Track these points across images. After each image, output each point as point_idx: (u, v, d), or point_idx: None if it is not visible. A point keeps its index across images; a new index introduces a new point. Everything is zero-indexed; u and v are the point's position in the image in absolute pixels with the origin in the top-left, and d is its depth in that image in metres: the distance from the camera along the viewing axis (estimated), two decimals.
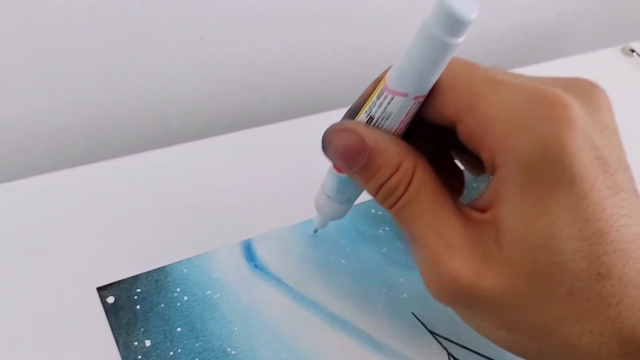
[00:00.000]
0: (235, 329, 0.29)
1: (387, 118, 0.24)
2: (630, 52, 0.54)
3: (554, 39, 0.61)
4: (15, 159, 0.42)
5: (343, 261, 0.34)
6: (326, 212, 0.30)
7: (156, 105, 0.45)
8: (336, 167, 0.27)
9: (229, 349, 0.29)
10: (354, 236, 0.35)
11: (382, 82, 0.24)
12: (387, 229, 0.36)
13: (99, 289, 0.30)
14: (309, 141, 0.40)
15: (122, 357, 0.27)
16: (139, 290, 0.30)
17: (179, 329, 0.29)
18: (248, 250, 0.33)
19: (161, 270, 0.31)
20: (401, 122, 0.24)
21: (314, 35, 0.47)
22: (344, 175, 0.27)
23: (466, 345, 0.31)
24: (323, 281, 0.32)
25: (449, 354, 0.31)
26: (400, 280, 0.33)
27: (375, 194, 0.25)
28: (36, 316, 0.29)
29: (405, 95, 0.23)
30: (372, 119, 0.24)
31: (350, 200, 0.29)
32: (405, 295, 0.33)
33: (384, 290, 0.33)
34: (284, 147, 0.40)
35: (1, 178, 0.35)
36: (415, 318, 0.32)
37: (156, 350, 0.28)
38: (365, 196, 0.37)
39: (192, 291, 0.30)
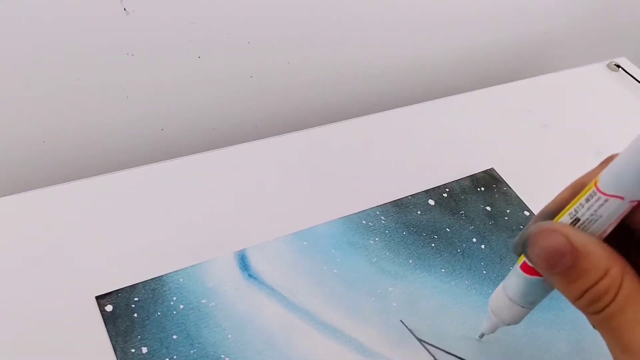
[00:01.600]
0: (230, 336, 0.30)
1: (596, 221, 0.24)
2: (616, 68, 0.56)
3: (542, 54, 0.63)
4: (15, 173, 0.43)
5: (335, 271, 0.35)
6: (504, 315, 0.28)
7: (154, 120, 0.46)
8: (525, 268, 0.26)
9: (223, 356, 0.30)
10: (345, 247, 0.36)
11: (591, 185, 0.24)
12: (377, 239, 0.37)
13: (98, 298, 0.31)
14: (304, 154, 0.42)
15: None
16: (136, 299, 0.31)
17: (174, 337, 0.30)
18: (242, 261, 0.34)
19: (158, 279, 0.32)
20: (609, 225, 0.24)
21: (309, 51, 0.48)
22: (533, 277, 0.26)
23: (452, 352, 0.32)
24: (315, 290, 0.33)
25: None
26: (390, 289, 0.34)
27: (577, 298, 0.24)
28: (36, 324, 0.29)
29: (620, 198, 0.23)
30: (578, 221, 0.24)
31: (533, 304, 0.28)
32: (394, 304, 0.34)
33: (373, 299, 0.34)
34: (279, 160, 0.41)
35: (2, 191, 0.36)
36: (403, 325, 0.33)
37: (152, 357, 0.29)
38: (355, 208, 0.38)
39: (188, 300, 0.31)
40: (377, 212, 0.38)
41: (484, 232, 0.38)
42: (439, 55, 0.55)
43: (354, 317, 0.33)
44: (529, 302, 0.27)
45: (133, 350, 0.29)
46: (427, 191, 0.40)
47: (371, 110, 0.47)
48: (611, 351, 0.24)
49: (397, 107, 0.47)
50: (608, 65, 0.56)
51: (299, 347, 0.31)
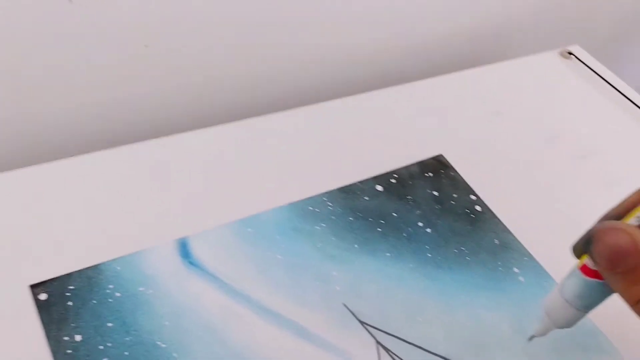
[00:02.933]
0: (167, 323, 0.30)
1: None
2: (568, 55, 0.56)
3: (498, 43, 0.63)
4: None
5: (279, 257, 0.34)
6: (558, 317, 0.28)
7: (97, 109, 0.45)
8: (584, 269, 0.26)
9: (159, 343, 0.29)
10: (290, 233, 0.36)
11: None
12: (323, 225, 0.37)
13: (32, 287, 0.30)
14: (250, 143, 0.41)
15: (51, 352, 0.28)
16: (71, 287, 0.30)
17: (109, 324, 0.29)
18: (183, 248, 0.34)
19: (94, 268, 0.31)
20: None
21: (254, 41, 0.48)
22: (592, 279, 0.26)
23: (394, 334, 0.32)
24: (258, 276, 0.33)
25: (378, 342, 0.32)
26: (334, 273, 0.34)
27: (637, 301, 0.24)
28: None
29: None
30: None
31: (589, 308, 0.27)
32: (338, 288, 0.34)
33: (317, 283, 0.34)
34: (225, 148, 0.41)
35: None
36: (346, 309, 0.33)
37: (86, 344, 0.28)
38: (302, 194, 0.38)
39: (125, 288, 0.31)
40: (324, 199, 0.38)
41: (430, 217, 0.38)
42: (391, 43, 0.55)
43: (297, 301, 0.33)
44: (585, 305, 0.27)
45: (66, 338, 0.29)
46: (375, 177, 0.40)
47: (320, 98, 0.46)
48: None
49: (348, 95, 0.47)
50: (561, 53, 0.57)
51: (239, 333, 0.31)
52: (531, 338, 0.31)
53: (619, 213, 0.26)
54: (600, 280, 0.26)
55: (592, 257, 0.24)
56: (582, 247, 0.25)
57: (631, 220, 0.25)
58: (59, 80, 0.42)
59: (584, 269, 0.26)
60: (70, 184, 0.36)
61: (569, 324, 0.28)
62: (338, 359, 0.31)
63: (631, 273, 0.23)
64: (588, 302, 0.27)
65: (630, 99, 0.53)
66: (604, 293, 0.26)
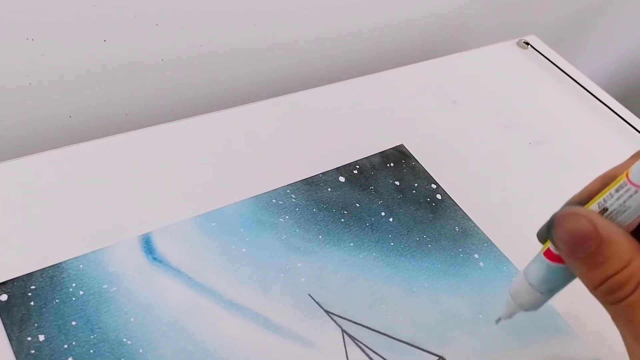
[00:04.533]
0: (132, 320, 0.30)
1: (624, 212, 0.24)
2: (525, 45, 0.58)
3: (456, 34, 0.64)
4: None
5: (243, 250, 0.35)
6: (523, 301, 0.28)
7: (60, 107, 0.45)
8: (548, 254, 0.27)
9: (124, 340, 0.29)
10: (254, 225, 0.36)
11: (622, 176, 0.24)
12: (287, 217, 0.37)
13: None
14: (214, 136, 0.41)
15: (14, 353, 0.28)
16: (33, 287, 0.30)
17: (73, 323, 0.29)
18: (147, 244, 0.34)
19: (56, 267, 0.31)
20: (637, 217, 0.24)
21: (221, 33, 0.48)
22: (555, 264, 0.26)
23: (359, 322, 0.33)
24: (222, 270, 0.33)
25: (344, 331, 0.32)
26: (299, 265, 0.35)
27: (596, 285, 0.24)
28: None
29: None
30: (606, 210, 0.24)
31: (552, 292, 0.28)
32: (303, 279, 0.34)
33: (282, 275, 0.34)
34: (188, 142, 0.40)
35: None
36: (311, 299, 0.33)
37: (50, 344, 0.28)
38: (266, 187, 0.38)
39: (88, 286, 0.31)
40: (288, 191, 0.38)
41: (393, 206, 0.39)
42: (350, 35, 0.56)
43: (262, 294, 0.33)
44: (549, 289, 0.27)
45: (29, 339, 0.28)
46: (337, 169, 0.41)
47: (282, 91, 0.47)
48: (625, 342, 0.24)
49: (308, 88, 0.47)
50: (518, 43, 0.58)
51: (204, 327, 0.31)
52: (498, 320, 0.32)
53: (582, 199, 0.26)
54: (563, 265, 0.26)
55: (553, 242, 0.25)
56: (545, 233, 0.26)
57: (593, 206, 0.25)
58: (20, 79, 0.42)
59: (548, 254, 0.27)
60: (29, 182, 0.35)
61: (534, 307, 0.29)
62: (305, 350, 0.31)
63: (591, 258, 0.23)
64: (552, 286, 0.27)
65: (585, 87, 0.55)
66: (567, 277, 0.27)
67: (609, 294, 0.23)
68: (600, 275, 0.23)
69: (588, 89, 0.54)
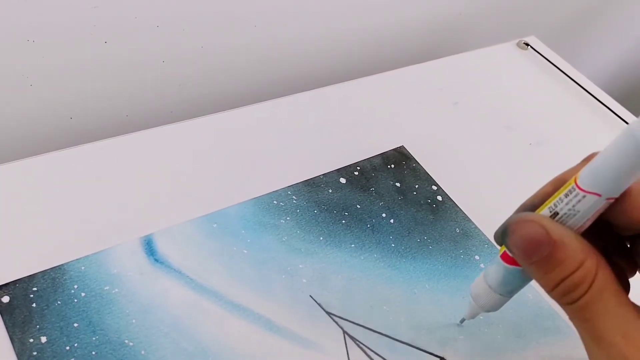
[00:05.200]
0: (134, 321, 0.30)
1: (574, 216, 0.25)
2: (525, 46, 0.58)
3: (456, 35, 0.64)
4: None
5: (245, 251, 0.35)
6: (483, 302, 0.29)
7: (61, 108, 0.45)
8: (505, 258, 0.27)
9: (126, 341, 0.29)
10: (256, 227, 0.36)
11: (571, 180, 0.25)
12: (288, 219, 0.37)
13: None
14: (216, 138, 0.41)
15: (16, 355, 0.28)
16: (35, 288, 0.30)
17: (75, 324, 0.29)
18: (149, 246, 0.34)
19: (58, 268, 0.31)
20: (587, 220, 0.25)
21: (222, 34, 0.48)
22: (512, 267, 0.27)
23: (361, 323, 0.33)
24: (224, 271, 0.33)
25: (345, 332, 0.32)
26: (300, 266, 0.35)
27: (552, 288, 0.25)
28: None
29: (598, 195, 0.24)
30: (557, 215, 0.25)
31: (511, 293, 0.28)
32: (304, 280, 0.34)
33: (283, 277, 0.34)
34: (190, 144, 0.40)
35: None
36: (313, 300, 0.33)
37: (52, 345, 0.28)
38: (267, 189, 0.38)
39: (90, 287, 0.31)
40: (289, 192, 0.38)
41: (393, 207, 0.39)
42: (349, 37, 0.56)
43: (263, 295, 0.33)
44: (508, 290, 0.28)
45: (31, 340, 0.28)
46: (338, 170, 0.41)
47: (283, 93, 0.47)
48: (583, 341, 0.25)
49: (309, 90, 0.47)
50: (517, 44, 0.58)
51: (206, 328, 0.31)
52: (462, 321, 0.33)
53: (534, 203, 0.27)
54: (520, 267, 0.27)
55: (507, 248, 0.26)
56: (500, 238, 0.26)
57: (544, 211, 0.26)
58: (21, 80, 0.42)
59: (504, 257, 0.27)
60: (30, 184, 0.35)
61: (494, 308, 0.29)
62: (306, 351, 0.31)
63: (545, 262, 0.24)
64: (510, 288, 0.28)
65: (585, 87, 0.55)
66: (524, 279, 0.28)
67: (565, 295, 0.24)
68: (555, 278, 0.24)
69: (588, 90, 0.54)
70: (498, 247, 0.29)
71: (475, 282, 0.30)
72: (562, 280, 0.24)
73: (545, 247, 0.24)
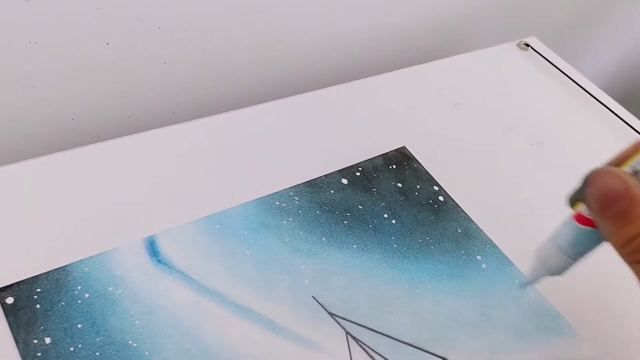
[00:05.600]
0: (137, 322, 0.30)
1: None
2: (525, 47, 0.58)
3: (457, 35, 0.64)
4: None
5: (247, 252, 0.35)
6: (551, 264, 0.29)
7: (63, 110, 0.45)
8: (578, 218, 0.27)
9: (130, 342, 0.29)
10: (258, 228, 0.36)
11: None
12: (290, 219, 0.37)
13: None
14: (218, 139, 0.41)
15: (21, 356, 0.28)
16: (39, 290, 0.30)
17: (79, 325, 0.29)
18: (152, 247, 0.34)
19: (62, 269, 0.31)
20: None
21: (223, 36, 0.48)
22: (584, 227, 0.27)
23: (363, 324, 0.33)
24: (226, 272, 0.34)
25: (347, 333, 0.33)
26: (302, 267, 0.35)
27: (623, 244, 0.25)
28: None
29: None
30: (638, 173, 0.25)
31: (580, 255, 0.29)
32: (307, 281, 0.34)
33: (286, 277, 0.34)
34: (192, 145, 0.41)
35: None
36: (315, 301, 0.33)
37: (56, 346, 0.28)
38: (269, 190, 0.38)
39: (94, 288, 0.31)
40: (291, 193, 0.39)
41: (395, 208, 0.39)
42: (350, 38, 0.56)
43: (266, 296, 0.33)
44: (577, 252, 0.28)
45: (36, 341, 0.28)
46: (340, 171, 0.41)
47: (284, 94, 0.47)
48: None
49: (310, 90, 0.47)
50: (518, 45, 0.58)
51: (209, 328, 0.31)
52: (524, 285, 0.32)
53: (615, 163, 0.27)
54: (593, 228, 0.27)
55: (585, 200, 0.26)
56: (578, 193, 0.26)
57: (625, 168, 0.26)
58: (24, 82, 0.42)
59: (578, 218, 0.28)
60: (33, 186, 0.36)
61: (560, 270, 0.29)
62: (309, 351, 0.31)
63: (621, 216, 0.24)
64: (580, 249, 0.28)
65: (585, 88, 0.55)
66: (595, 241, 0.28)
67: (635, 252, 0.24)
68: (628, 234, 0.24)
69: (588, 91, 0.55)
70: (570, 208, 0.29)
71: (541, 245, 0.30)
72: (635, 237, 0.24)
73: (623, 202, 0.24)
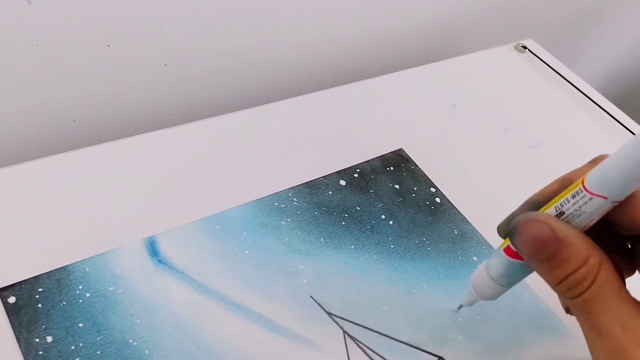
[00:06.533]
0: (138, 321, 0.31)
1: (579, 216, 0.25)
2: (523, 49, 0.58)
3: (454, 38, 0.65)
4: None
5: (246, 252, 0.35)
6: (483, 292, 0.30)
7: (64, 111, 0.45)
8: (508, 252, 0.28)
9: (130, 341, 0.30)
10: (257, 228, 0.37)
11: (578, 182, 0.26)
12: (289, 220, 0.37)
13: (0, 290, 0.30)
14: (217, 140, 0.42)
15: (23, 354, 0.28)
16: (40, 289, 0.31)
17: (80, 324, 0.30)
18: (152, 247, 0.34)
19: (63, 269, 0.32)
20: (591, 221, 0.26)
21: (223, 37, 0.49)
22: (515, 260, 0.28)
23: (360, 323, 0.33)
24: (226, 272, 0.34)
25: (345, 332, 0.33)
26: (301, 267, 0.35)
27: (557, 283, 0.26)
28: None
29: (604, 198, 0.25)
30: (563, 214, 0.26)
31: (511, 284, 0.29)
32: (305, 281, 0.35)
33: (284, 277, 0.35)
34: (192, 146, 0.41)
35: None
36: (313, 301, 0.34)
37: (57, 345, 0.29)
38: (268, 191, 0.39)
39: (94, 288, 0.31)
40: (290, 194, 0.39)
41: (392, 209, 0.40)
42: (348, 40, 0.56)
43: (265, 295, 0.33)
44: (509, 282, 0.29)
45: (37, 340, 0.29)
46: (338, 172, 0.41)
47: (283, 95, 0.47)
48: (585, 334, 0.26)
49: (309, 92, 0.47)
50: (515, 47, 0.59)
51: (209, 328, 0.31)
52: (459, 307, 0.34)
53: (540, 200, 0.28)
54: (522, 261, 0.28)
55: (515, 246, 0.27)
56: (506, 234, 0.27)
57: (550, 209, 0.27)
58: (25, 83, 0.42)
59: (507, 251, 0.28)
60: (34, 187, 0.36)
61: (493, 297, 0.30)
62: (307, 350, 0.32)
63: (551, 259, 0.25)
64: (511, 279, 0.29)
65: (582, 90, 0.55)
66: (525, 272, 0.29)
67: (569, 290, 0.26)
68: (560, 274, 0.26)
69: (585, 93, 0.55)
70: (501, 239, 0.29)
71: (475, 272, 0.31)
72: (567, 276, 0.25)
73: (551, 245, 0.25)
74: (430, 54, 0.63)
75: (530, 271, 0.28)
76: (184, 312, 0.32)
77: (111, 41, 0.43)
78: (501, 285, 0.29)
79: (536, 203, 0.28)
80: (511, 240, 0.27)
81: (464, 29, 0.65)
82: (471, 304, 0.32)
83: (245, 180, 0.40)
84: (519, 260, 0.28)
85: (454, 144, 0.47)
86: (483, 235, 0.40)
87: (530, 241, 0.26)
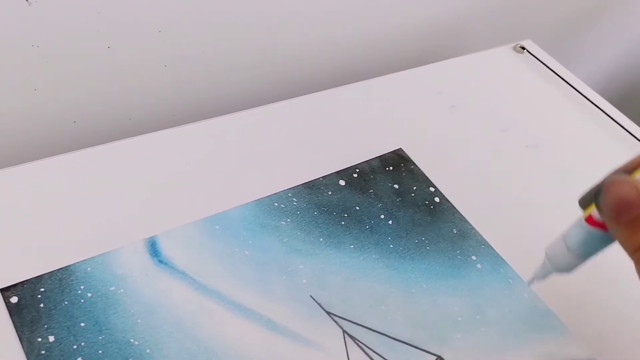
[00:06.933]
0: (139, 321, 0.31)
1: None
2: (521, 50, 0.59)
3: (453, 39, 0.65)
4: None
5: (246, 252, 0.35)
6: (559, 263, 0.30)
7: (65, 112, 0.45)
8: (589, 220, 0.28)
9: (132, 340, 0.30)
10: (257, 229, 0.37)
11: None
12: (288, 220, 0.38)
13: (2, 290, 0.31)
14: (217, 141, 0.42)
15: (25, 354, 0.28)
16: (42, 289, 0.31)
17: (82, 324, 0.30)
18: (153, 247, 0.34)
19: (65, 269, 0.32)
20: None
21: (223, 38, 0.49)
22: (595, 229, 0.28)
23: (360, 323, 0.34)
24: (226, 272, 0.34)
25: (344, 332, 0.33)
26: (300, 267, 0.35)
27: (635, 250, 0.26)
28: None
29: None
30: None
31: (589, 255, 0.29)
32: (305, 281, 0.35)
33: (284, 277, 0.35)
34: (192, 147, 0.41)
35: None
36: (313, 301, 0.34)
37: (60, 344, 0.29)
38: (268, 191, 0.39)
39: (96, 288, 0.32)
40: (289, 194, 0.39)
41: (392, 209, 0.40)
42: (347, 41, 0.56)
43: (264, 295, 0.34)
44: (586, 252, 0.29)
45: (39, 340, 0.29)
46: (338, 172, 0.41)
47: (283, 96, 0.47)
48: None
49: (308, 93, 0.48)
50: (514, 48, 0.59)
51: (209, 327, 0.32)
52: (532, 281, 0.33)
53: (628, 169, 0.28)
54: (603, 231, 0.28)
55: (599, 207, 0.26)
56: (591, 198, 0.27)
57: (638, 175, 0.27)
58: (26, 85, 0.42)
59: (589, 220, 0.28)
60: (36, 187, 0.36)
61: (568, 269, 0.30)
62: (307, 350, 0.32)
63: (633, 223, 0.25)
64: (589, 250, 0.29)
65: (580, 91, 0.55)
66: (604, 243, 0.28)
67: None
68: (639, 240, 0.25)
69: (583, 93, 0.55)
70: (581, 210, 0.29)
71: (551, 243, 0.30)
72: None
73: (635, 209, 0.25)
74: (429, 55, 0.63)
75: (609, 242, 0.28)
76: (184, 311, 0.32)
77: (111, 42, 0.44)
78: (578, 256, 0.29)
79: (626, 171, 0.28)
80: (596, 201, 0.26)
81: (464, 29, 0.65)
82: (544, 276, 0.31)
83: (245, 180, 0.40)
84: (599, 230, 0.28)
85: (453, 144, 0.47)
86: (482, 234, 0.40)
87: (615, 202, 0.25)
